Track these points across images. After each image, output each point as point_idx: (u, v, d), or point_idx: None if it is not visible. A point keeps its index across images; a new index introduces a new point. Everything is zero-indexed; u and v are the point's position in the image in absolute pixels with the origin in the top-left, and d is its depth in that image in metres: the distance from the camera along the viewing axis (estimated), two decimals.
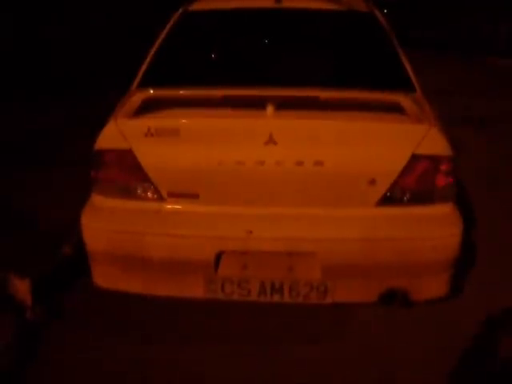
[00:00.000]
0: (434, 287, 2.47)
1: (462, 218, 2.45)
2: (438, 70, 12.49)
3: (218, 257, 2.36)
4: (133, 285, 2.47)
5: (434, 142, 2.39)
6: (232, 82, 2.58)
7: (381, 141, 2.34)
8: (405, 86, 2.76)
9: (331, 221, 2.37)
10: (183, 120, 2.39)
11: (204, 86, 2.55)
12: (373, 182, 2.36)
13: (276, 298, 2.41)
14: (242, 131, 2.36)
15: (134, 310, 2.84)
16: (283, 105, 2.37)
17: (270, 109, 2.35)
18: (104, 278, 2.51)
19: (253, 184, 2.38)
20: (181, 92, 2.45)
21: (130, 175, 2.43)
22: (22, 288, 2.72)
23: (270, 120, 2.34)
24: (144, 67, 2.94)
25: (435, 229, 2.39)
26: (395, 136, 2.36)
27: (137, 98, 2.37)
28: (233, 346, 2.66)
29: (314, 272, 2.37)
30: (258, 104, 2.35)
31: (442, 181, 2.42)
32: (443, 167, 2.42)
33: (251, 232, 2.32)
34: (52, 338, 2.67)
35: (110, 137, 2.43)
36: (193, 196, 2.41)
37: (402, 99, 2.32)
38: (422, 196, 2.42)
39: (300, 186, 2.37)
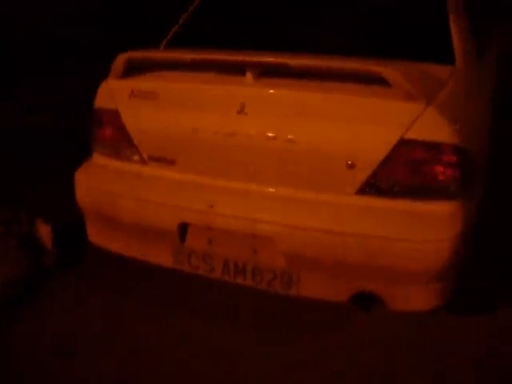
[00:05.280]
0: (415, 298, 2.07)
1: (465, 220, 2.00)
2: None
3: (184, 227, 2.26)
4: (114, 244, 2.50)
5: (431, 126, 1.96)
6: (246, 46, 2.40)
7: (361, 119, 2.01)
8: (438, 57, 2.31)
9: (300, 205, 2.11)
10: (162, 83, 2.32)
11: (217, 49, 2.42)
12: (351, 166, 2.03)
13: (239, 279, 2.24)
14: (217, 98, 2.20)
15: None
16: (266, 73, 2.15)
17: (248, 76, 2.15)
18: (92, 233, 2.57)
19: (222, 155, 2.21)
20: (167, 54, 2.35)
21: (116, 136, 2.43)
22: (44, 233, 2.94)
23: (243, 88, 2.15)
24: (175, 28, 2.91)
25: (422, 230, 1.98)
26: (379, 114, 1.99)
27: (121, 59, 2.34)
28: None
29: (278, 259, 2.14)
30: (240, 70, 2.17)
31: (441, 174, 1.99)
32: (444, 157, 1.98)
33: (212, 206, 2.18)
34: (62, 283, 2.84)
35: (102, 96, 2.46)
36: (170, 162, 2.33)
37: (386, 70, 1.91)
38: (414, 189, 2.02)
39: (269, 162, 2.14)
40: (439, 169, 1.99)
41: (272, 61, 2.10)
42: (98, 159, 2.54)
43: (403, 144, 1.98)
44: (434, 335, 2.41)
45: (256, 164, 2.17)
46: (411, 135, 1.96)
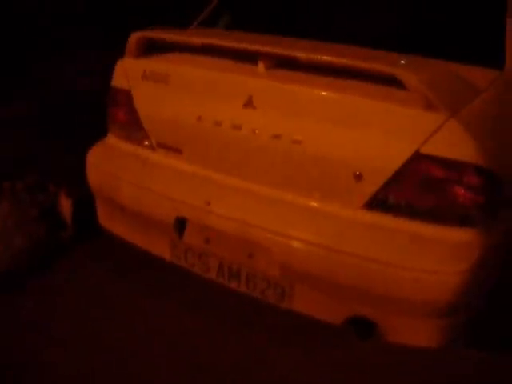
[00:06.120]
0: (416, 333, 1.83)
1: (482, 253, 1.72)
2: None
3: (182, 222, 2.13)
4: (118, 229, 2.42)
5: (452, 141, 1.69)
6: (280, 31, 2.30)
7: (373, 124, 1.77)
8: (485, 59, 2.01)
9: (300, 214, 1.92)
10: (172, 66, 2.17)
11: (247, 31, 2.29)
12: (359, 177, 1.81)
13: (233, 284, 2.09)
14: (224, 87, 2.03)
15: None
16: (280, 64, 1.96)
17: (260, 66, 1.97)
18: (100, 214, 2.51)
19: (224, 149, 2.06)
20: (178, 36, 2.19)
21: (128, 118, 2.33)
22: (66, 206, 2.92)
23: (253, 79, 1.97)
24: (210, 7, 2.74)
25: (428, 258, 1.73)
26: (393, 121, 1.74)
27: (133, 38, 2.21)
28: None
29: (272, 268, 1.96)
30: (253, 59, 1.99)
31: (460, 197, 1.73)
32: (465, 179, 1.71)
33: (209, 203, 2.04)
34: (74, 260, 2.82)
35: (117, 75, 2.35)
36: (176, 151, 2.21)
37: (401, 72, 1.66)
38: (426, 211, 1.77)
39: (272, 163, 1.95)
40: (458, 191, 1.72)
41: (281, 52, 1.90)
42: (111, 140, 2.45)
43: (418, 158, 1.73)
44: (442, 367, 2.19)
45: (258, 163, 1.99)
46: (428, 149, 1.71)
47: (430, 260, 1.73)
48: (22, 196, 2.93)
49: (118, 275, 2.71)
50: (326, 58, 1.82)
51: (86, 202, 2.95)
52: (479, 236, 1.75)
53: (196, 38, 2.11)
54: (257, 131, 1.95)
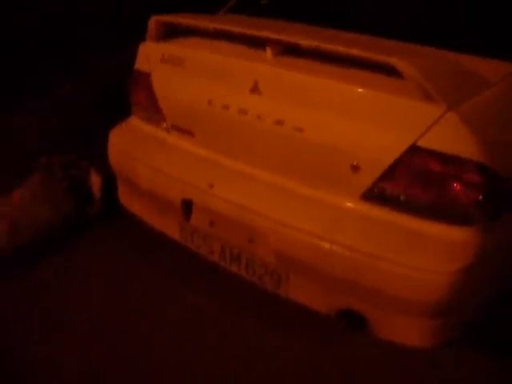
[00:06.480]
0: (406, 331, 1.79)
1: (479, 253, 1.65)
2: None
3: (189, 204, 2.17)
4: (136, 208, 2.49)
5: (451, 135, 1.63)
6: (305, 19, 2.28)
7: (371, 115, 1.73)
8: (503, 52, 1.91)
9: (297, 201, 1.91)
10: (188, 50, 2.20)
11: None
12: (356, 168, 1.77)
13: (234, 267, 2.12)
14: (233, 72, 2.05)
15: None
16: (289, 51, 1.95)
17: (268, 52, 1.97)
18: (120, 194, 2.59)
19: (230, 133, 2.08)
20: (192, 21, 2.19)
21: (147, 100, 2.38)
22: (95, 182, 3.03)
23: (259, 65, 1.97)
24: None
25: (421, 256, 1.68)
26: (391, 112, 1.70)
27: (152, 21, 2.25)
28: None
29: (269, 255, 1.97)
30: (262, 46, 1.99)
31: (458, 193, 1.66)
32: (464, 175, 1.64)
33: (212, 186, 2.06)
34: (96, 236, 2.92)
35: (140, 58, 2.41)
36: (188, 133, 2.24)
37: (399, 61, 1.59)
38: (422, 206, 1.72)
39: (274, 149, 1.96)
40: (455, 187, 1.66)
41: (286, 39, 1.88)
42: (133, 121, 2.52)
43: (415, 151, 1.67)
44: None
45: (261, 148, 2.00)
46: (425, 143, 1.65)
47: (422, 257, 1.68)
48: (55, 169, 3.06)
49: (135, 255, 2.78)
50: (325, 46, 1.78)
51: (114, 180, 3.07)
52: (476, 236, 1.68)
53: (209, 24, 2.12)
54: (261, 116, 1.95)
